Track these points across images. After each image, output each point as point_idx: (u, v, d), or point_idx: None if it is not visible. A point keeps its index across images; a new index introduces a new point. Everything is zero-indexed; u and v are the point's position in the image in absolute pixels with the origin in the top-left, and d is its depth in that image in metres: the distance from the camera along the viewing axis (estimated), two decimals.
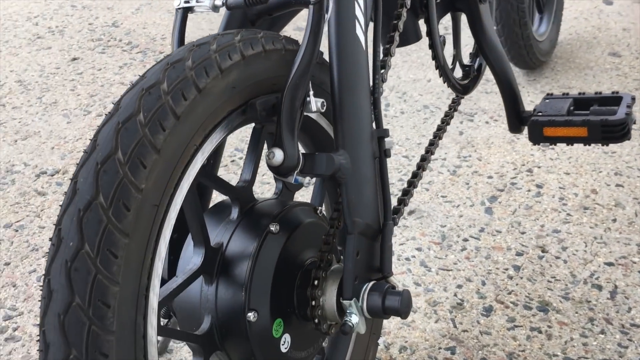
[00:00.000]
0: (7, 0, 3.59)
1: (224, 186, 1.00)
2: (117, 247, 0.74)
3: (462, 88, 1.54)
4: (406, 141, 2.28)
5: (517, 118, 1.67)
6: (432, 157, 1.43)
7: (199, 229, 0.94)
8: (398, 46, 1.46)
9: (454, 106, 1.54)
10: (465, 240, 1.84)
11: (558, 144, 1.55)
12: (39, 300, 0.76)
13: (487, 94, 2.55)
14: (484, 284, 1.69)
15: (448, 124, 1.49)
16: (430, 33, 1.35)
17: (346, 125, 0.99)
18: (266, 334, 0.99)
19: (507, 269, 1.73)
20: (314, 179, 1.14)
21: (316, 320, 1.01)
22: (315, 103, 0.97)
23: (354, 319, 0.99)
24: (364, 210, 1.00)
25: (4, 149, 2.28)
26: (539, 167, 2.11)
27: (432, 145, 1.40)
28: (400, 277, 1.71)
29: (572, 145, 1.54)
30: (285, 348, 1.03)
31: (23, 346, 1.54)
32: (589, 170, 2.08)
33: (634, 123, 1.51)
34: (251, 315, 0.96)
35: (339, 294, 1.00)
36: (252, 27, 1.14)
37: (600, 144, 1.48)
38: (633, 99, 1.53)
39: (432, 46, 1.37)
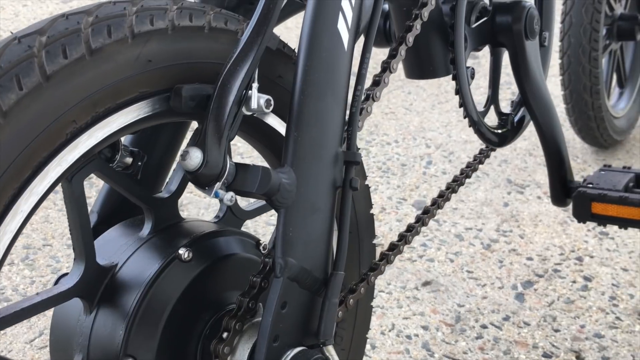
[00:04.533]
0: None
1: (133, 190, 0.78)
2: None
3: (497, 138, 1.27)
4: None
5: (562, 188, 1.38)
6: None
7: (79, 235, 0.72)
8: (424, 77, 1.23)
9: (481, 157, 1.27)
10: (484, 327, 1.52)
11: (620, 231, 1.24)
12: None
13: (545, 167, 2.24)
14: None
15: (468, 176, 1.22)
16: (454, 61, 1.10)
17: (301, 137, 0.76)
18: None
19: None
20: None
21: None
22: (258, 99, 0.74)
23: None
24: (303, 251, 0.76)
25: None
26: (592, 257, 1.78)
27: (441, 198, 1.13)
28: (395, 356, 1.42)
29: (626, 229, 1.24)
30: None
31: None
32: None
33: None
34: None
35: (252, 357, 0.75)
36: None
37: None
38: None
39: (455, 77, 1.12)
